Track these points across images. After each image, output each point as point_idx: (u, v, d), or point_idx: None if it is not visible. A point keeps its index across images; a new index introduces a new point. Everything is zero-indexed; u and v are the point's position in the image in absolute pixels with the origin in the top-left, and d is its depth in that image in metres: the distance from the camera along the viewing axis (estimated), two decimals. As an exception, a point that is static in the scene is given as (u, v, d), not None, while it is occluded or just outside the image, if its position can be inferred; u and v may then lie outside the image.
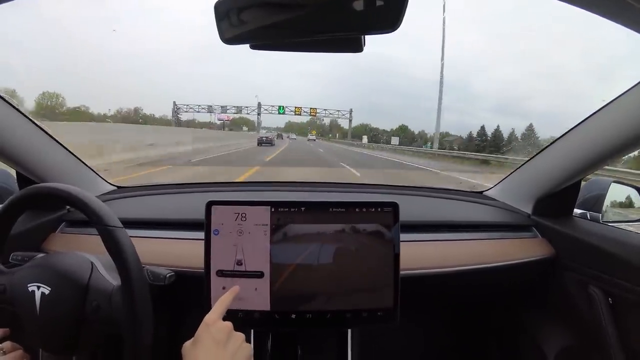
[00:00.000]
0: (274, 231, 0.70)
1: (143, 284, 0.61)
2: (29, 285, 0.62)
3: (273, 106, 44.36)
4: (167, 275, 0.70)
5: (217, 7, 0.50)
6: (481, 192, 1.30)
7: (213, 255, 0.69)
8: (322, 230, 0.70)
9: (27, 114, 0.85)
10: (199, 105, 43.54)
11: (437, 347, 1.30)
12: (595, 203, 1.01)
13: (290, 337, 0.84)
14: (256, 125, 46.86)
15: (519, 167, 1.16)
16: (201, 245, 0.70)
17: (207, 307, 0.60)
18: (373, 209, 0.72)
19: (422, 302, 1.08)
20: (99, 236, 0.60)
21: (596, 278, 0.89)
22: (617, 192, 1.04)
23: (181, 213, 1.01)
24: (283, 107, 44.25)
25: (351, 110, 44.81)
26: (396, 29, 0.46)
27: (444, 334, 1.31)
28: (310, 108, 45.65)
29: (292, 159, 13.94)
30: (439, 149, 24.01)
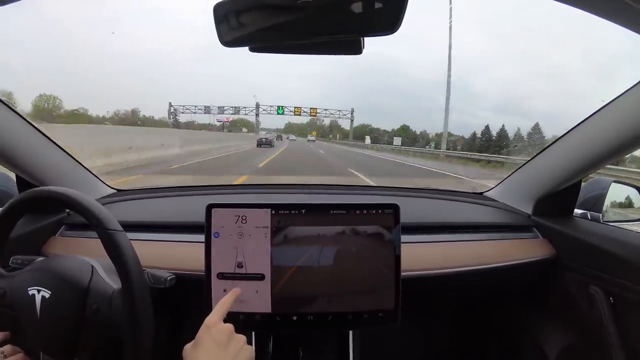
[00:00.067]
0: (275, 233, 0.69)
1: (143, 287, 0.61)
2: (29, 288, 0.62)
3: (271, 106, 43.21)
4: (168, 278, 0.70)
5: (216, 10, 0.50)
6: (481, 193, 1.30)
7: (213, 258, 0.69)
8: (323, 232, 0.70)
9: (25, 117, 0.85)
10: (196, 106, 42.61)
11: (438, 348, 1.30)
12: (596, 203, 1.01)
13: (291, 339, 0.84)
14: (256, 126, 46.07)
15: (519, 168, 1.16)
16: (202, 248, 0.69)
17: (208, 310, 0.59)
18: (374, 211, 0.72)
19: (423, 303, 1.08)
20: (99, 239, 0.60)
21: (597, 278, 0.89)
22: (617, 192, 1.04)
23: (181, 216, 1.01)
24: (282, 107, 42.96)
25: (353, 110, 43.60)
26: (395, 31, 0.46)
27: (445, 335, 1.31)
28: (310, 108, 44.48)
29: (292, 160, 13.41)
30: (452, 149, 22.56)
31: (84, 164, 1.09)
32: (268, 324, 0.70)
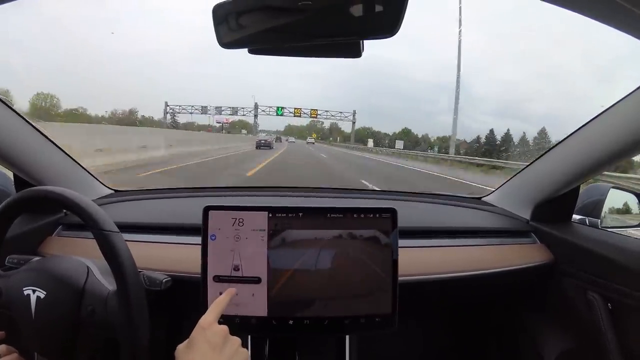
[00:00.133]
0: (272, 237, 0.69)
1: (139, 288, 0.60)
2: (24, 288, 0.61)
3: (270, 107, 41.75)
4: (164, 281, 0.70)
5: (215, 11, 0.50)
6: (480, 198, 1.30)
7: (210, 260, 0.69)
8: (320, 236, 0.70)
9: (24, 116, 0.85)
10: (193, 106, 41.29)
11: (435, 353, 1.30)
12: (594, 209, 1.01)
13: (287, 343, 0.84)
14: (254, 127, 44.71)
15: (518, 173, 1.16)
16: (198, 250, 0.69)
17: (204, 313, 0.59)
18: (371, 215, 0.71)
19: (421, 307, 1.07)
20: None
21: (595, 283, 0.88)
22: (616, 198, 1.04)
23: (178, 218, 1.00)
24: (281, 108, 41.45)
25: (354, 112, 42.26)
26: (395, 34, 0.46)
27: (443, 339, 1.30)
28: (311, 109, 42.94)
29: (290, 165, 12.28)
30: (455, 154, 21.78)
31: (82, 164, 1.09)
32: (264, 327, 0.69)
